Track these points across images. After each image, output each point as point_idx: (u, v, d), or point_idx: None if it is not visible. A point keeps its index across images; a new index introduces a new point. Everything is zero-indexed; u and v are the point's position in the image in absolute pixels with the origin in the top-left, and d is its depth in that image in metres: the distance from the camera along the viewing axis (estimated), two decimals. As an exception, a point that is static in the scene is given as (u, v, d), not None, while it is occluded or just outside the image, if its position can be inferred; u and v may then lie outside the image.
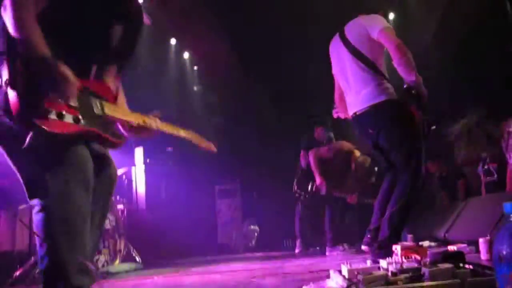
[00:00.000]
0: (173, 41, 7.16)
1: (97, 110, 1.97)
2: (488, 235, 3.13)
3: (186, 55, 7.66)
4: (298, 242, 6.46)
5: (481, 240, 2.98)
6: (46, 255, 1.78)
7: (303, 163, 6.42)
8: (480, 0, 5.38)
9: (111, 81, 2.15)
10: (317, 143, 6.23)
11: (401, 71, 3.07)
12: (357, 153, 5.66)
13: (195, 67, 8.13)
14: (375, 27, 3.17)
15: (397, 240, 3.03)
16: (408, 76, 3.04)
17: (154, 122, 2.28)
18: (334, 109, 4.08)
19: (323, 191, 5.62)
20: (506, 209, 1.18)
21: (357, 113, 3.34)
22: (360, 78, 3.28)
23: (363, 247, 3.75)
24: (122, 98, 2.31)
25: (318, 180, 5.64)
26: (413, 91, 3.05)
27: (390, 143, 3.27)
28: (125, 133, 2.24)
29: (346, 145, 5.82)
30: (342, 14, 3.72)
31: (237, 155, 9.74)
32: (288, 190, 7.31)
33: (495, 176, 5.14)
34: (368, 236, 3.42)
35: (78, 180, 1.88)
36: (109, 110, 2.04)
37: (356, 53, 3.25)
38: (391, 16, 6.66)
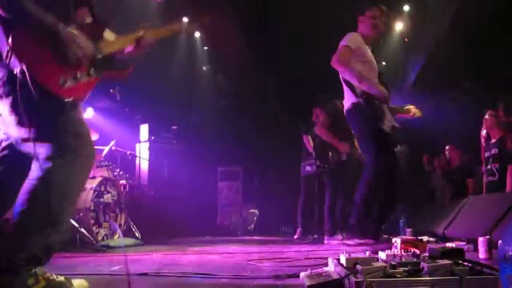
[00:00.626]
0: (185, 19, 7.08)
1: (98, 53, 2.06)
2: (488, 235, 3.13)
3: (197, 34, 7.60)
4: (298, 230, 6.49)
5: (480, 239, 2.98)
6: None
7: (309, 147, 6.38)
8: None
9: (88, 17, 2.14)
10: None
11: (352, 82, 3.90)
12: None
13: (205, 48, 8.08)
14: (341, 43, 3.91)
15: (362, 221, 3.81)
16: (358, 86, 3.86)
17: (146, 33, 2.38)
18: None
19: (346, 152, 5.64)
20: None
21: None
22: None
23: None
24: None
25: (342, 147, 5.65)
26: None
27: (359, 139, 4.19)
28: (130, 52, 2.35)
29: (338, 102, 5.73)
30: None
31: (241, 139, 9.76)
32: (290, 178, 7.33)
33: (497, 176, 5.14)
34: None
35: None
36: (106, 47, 2.12)
37: None
38: (406, 7, 6.57)
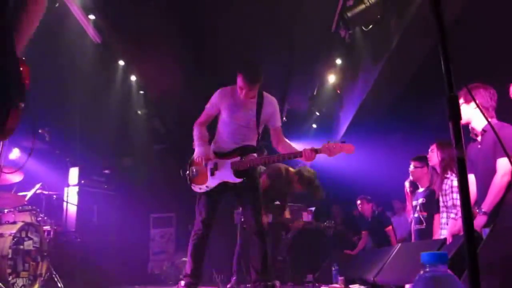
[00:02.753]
0: (121, 62, 7.04)
1: None
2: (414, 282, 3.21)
3: (133, 78, 7.55)
4: (233, 279, 6.36)
5: (407, 286, 3.06)
6: None
7: None
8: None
9: None
10: None
11: None
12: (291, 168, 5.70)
13: (141, 92, 8.02)
14: None
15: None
16: None
17: None
18: None
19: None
20: (423, 259, 1.17)
21: None
22: None
23: None
24: None
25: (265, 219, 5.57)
26: None
27: None
28: None
29: (280, 165, 5.78)
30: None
31: (175, 184, 9.59)
32: (222, 224, 7.23)
33: (424, 224, 5.33)
34: None
35: None
36: None
37: None
38: (338, 61, 6.91)
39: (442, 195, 4.35)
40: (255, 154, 3.96)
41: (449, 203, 4.22)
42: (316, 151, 3.54)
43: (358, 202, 7.61)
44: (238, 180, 3.77)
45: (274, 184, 5.56)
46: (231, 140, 3.93)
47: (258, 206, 3.86)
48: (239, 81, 3.68)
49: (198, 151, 3.92)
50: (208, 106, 4.04)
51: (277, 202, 5.78)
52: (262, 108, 3.89)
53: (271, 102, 3.98)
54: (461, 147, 1.37)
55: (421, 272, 1.17)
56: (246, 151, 3.87)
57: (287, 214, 6.08)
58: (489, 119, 3.24)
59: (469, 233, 1.29)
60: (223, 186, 3.87)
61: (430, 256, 1.17)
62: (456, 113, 1.42)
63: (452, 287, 1.14)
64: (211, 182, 3.89)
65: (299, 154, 3.60)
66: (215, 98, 3.99)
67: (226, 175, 3.83)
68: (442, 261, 1.16)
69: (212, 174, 3.88)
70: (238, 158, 3.82)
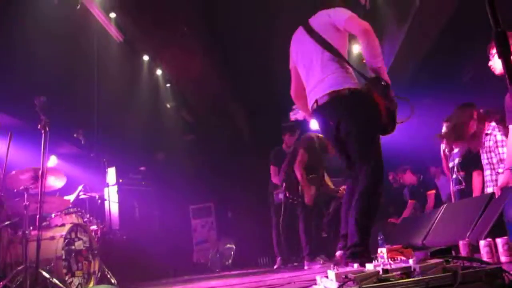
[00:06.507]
0: (145, 58, 7.09)
1: None
2: (467, 238, 3.17)
3: (159, 72, 7.59)
4: (278, 260, 6.41)
5: (461, 242, 3.02)
6: None
7: (275, 179, 6.41)
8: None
9: None
10: (285, 155, 6.21)
11: (366, 55, 3.04)
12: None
13: (168, 85, 8.07)
14: (341, 17, 3.14)
15: (367, 242, 2.94)
16: (374, 61, 3.02)
17: None
18: (291, 111, 4.02)
19: (309, 202, 5.59)
20: None
21: (318, 102, 3.20)
22: (325, 66, 3.18)
23: (337, 254, 3.72)
24: None
25: (308, 194, 5.52)
26: (379, 80, 3.00)
27: (350, 133, 3.10)
28: None
29: (310, 134, 5.75)
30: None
31: (210, 174, 9.70)
32: (262, 207, 7.28)
33: (463, 184, 5.26)
34: (341, 242, 3.28)
35: None
36: None
37: (323, 42, 3.19)
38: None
39: (485, 152, 4.26)
40: None
41: (495, 160, 4.13)
42: None
43: (398, 175, 7.57)
44: None
45: (311, 154, 5.55)
46: None
47: None
48: None
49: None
50: None
51: (314, 175, 5.73)
52: None
53: None
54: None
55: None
56: None
57: (330, 184, 6.03)
58: None
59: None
60: None
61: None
62: (505, 49, 1.37)
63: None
64: None
65: None
66: None
67: None
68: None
69: None
70: None
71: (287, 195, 5.70)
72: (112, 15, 5.70)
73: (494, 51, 3.37)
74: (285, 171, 5.92)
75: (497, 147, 4.10)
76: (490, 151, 4.19)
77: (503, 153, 4.00)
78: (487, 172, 4.31)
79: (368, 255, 2.86)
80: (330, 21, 3.20)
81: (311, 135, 5.62)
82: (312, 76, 3.30)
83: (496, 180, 4.06)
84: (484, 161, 4.28)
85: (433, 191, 7.07)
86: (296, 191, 5.66)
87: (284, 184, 5.82)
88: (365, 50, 3.04)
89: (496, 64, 3.37)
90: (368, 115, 3.07)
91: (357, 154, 3.12)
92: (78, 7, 4.68)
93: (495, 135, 4.13)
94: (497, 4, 1.35)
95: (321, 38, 3.21)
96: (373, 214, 3.02)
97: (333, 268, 2.05)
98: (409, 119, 3.09)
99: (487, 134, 4.21)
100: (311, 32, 3.29)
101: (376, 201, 3.02)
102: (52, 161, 6.20)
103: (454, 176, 5.34)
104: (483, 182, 4.51)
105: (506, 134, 3.96)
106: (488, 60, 3.46)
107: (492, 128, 4.23)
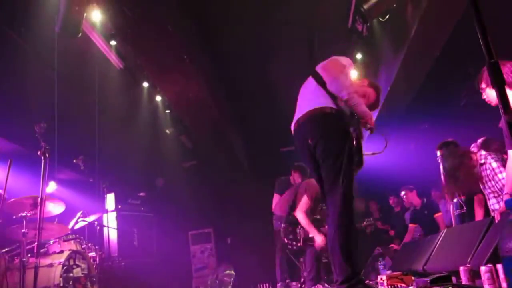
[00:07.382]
0: (145, 84, 7.16)
1: None
2: (468, 263, 3.15)
3: (158, 98, 7.66)
4: (278, 285, 6.34)
5: (461, 268, 2.99)
6: None
7: (275, 208, 6.38)
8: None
9: None
10: (289, 186, 6.18)
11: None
12: None
13: (167, 111, 8.13)
14: (327, 79, 3.26)
15: (357, 269, 2.77)
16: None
17: None
18: None
19: (321, 247, 5.39)
20: (508, 205, 1.21)
21: (299, 121, 3.30)
22: (316, 95, 3.29)
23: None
24: None
25: (318, 239, 5.18)
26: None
27: (325, 154, 3.12)
28: None
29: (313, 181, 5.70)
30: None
31: (209, 200, 9.69)
32: (261, 233, 7.25)
33: (465, 208, 5.24)
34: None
35: None
36: None
37: (321, 81, 3.30)
38: (359, 56, 6.86)
39: (485, 182, 4.22)
40: None
41: (497, 187, 4.09)
42: None
43: (402, 193, 7.49)
44: None
45: (314, 203, 5.47)
46: None
47: None
48: None
49: None
50: None
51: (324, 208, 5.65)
52: None
53: None
54: (510, 112, 1.35)
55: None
56: None
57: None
58: None
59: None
60: None
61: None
62: (499, 79, 1.40)
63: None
64: None
65: None
66: None
67: None
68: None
69: None
70: None
71: (286, 240, 5.57)
72: (113, 42, 5.79)
73: (483, 85, 3.40)
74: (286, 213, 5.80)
75: (495, 174, 4.07)
76: (489, 180, 4.16)
77: (503, 178, 3.98)
78: (493, 201, 4.25)
79: (363, 284, 2.81)
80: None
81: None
82: (302, 103, 3.43)
83: (504, 208, 4.03)
84: (487, 191, 4.24)
85: (440, 213, 7.00)
86: (295, 235, 5.50)
87: (282, 229, 5.66)
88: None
89: (491, 97, 3.39)
90: (342, 140, 3.11)
91: (327, 178, 3.12)
92: (80, 35, 4.75)
93: (489, 163, 4.11)
94: (489, 34, 1.39)
95: (320, 78, 3.33)
96: (351, 244, 2.86)
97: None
98: (382, 152, 3.27)
99: (481, 164, 4.20)
100: (314, 74, 3.42)
101: (349, 233, 2.88)
102: (51, 187, 6.17)
103: (455, 200, 5.33)
104: (486, 207, 4.49)
105: (499, 160, 3.99)
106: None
107: (484, 157, 4.21)
